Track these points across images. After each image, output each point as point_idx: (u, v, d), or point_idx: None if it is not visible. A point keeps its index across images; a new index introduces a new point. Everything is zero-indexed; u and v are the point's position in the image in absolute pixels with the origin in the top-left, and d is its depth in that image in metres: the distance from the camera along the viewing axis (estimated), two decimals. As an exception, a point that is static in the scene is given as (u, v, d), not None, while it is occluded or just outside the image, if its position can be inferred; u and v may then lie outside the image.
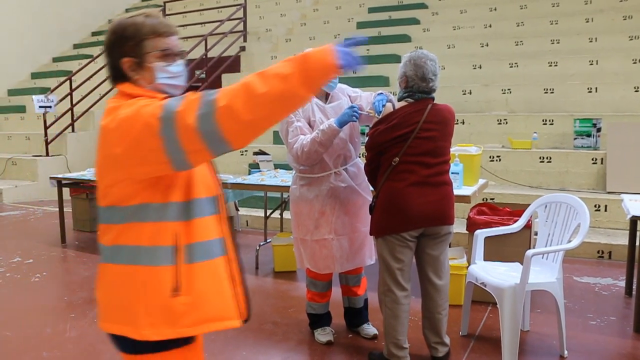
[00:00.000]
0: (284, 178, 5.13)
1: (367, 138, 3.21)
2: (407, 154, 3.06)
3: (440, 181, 3.14)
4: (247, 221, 7.13)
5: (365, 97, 3.60)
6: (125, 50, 1.74)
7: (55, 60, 14.03)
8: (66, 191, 6.76)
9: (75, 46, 14.55)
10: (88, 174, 6.46)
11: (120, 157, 1.62)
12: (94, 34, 14.98)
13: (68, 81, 10.06)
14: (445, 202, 3.15)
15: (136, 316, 1.68)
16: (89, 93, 10.27)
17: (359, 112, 3.29)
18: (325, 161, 3.44)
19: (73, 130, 10.07)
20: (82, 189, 6.74)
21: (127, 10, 15.93)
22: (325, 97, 3.56)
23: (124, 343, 1.74)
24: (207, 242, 1.74)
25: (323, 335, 3.72)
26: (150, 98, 1.68)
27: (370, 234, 3.29)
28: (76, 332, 3.97)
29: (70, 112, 10.01)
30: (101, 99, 10.35)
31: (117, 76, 1.78)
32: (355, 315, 3.83)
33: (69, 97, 9.96)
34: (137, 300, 1.68)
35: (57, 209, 6.50)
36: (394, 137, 3.06)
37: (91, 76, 10.43)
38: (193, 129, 1.51)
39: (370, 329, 3.79)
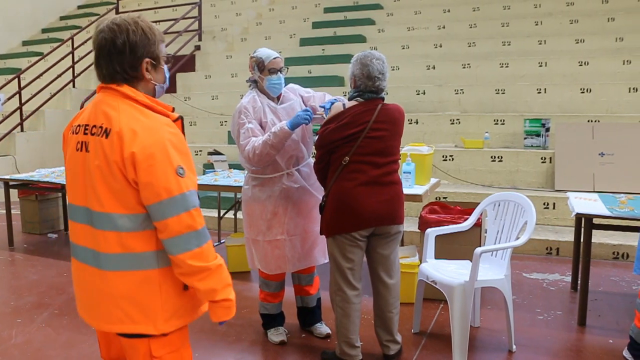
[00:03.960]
0: (237, 178, 5.10)
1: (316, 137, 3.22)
2: (357, 154, 3.08)
3: (389, 181, 3.17)
4: (201, 222, 7.04)
5: (319, 98, 3.62)
6: (148, 50, 1.88)
7: (3, 57, 13.59)
8: (14, 193, 6.57)
9: (25, 43, 14.12)
10: (37, 175, 6.29)
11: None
12: (44, 30, 14.56)
13: (17, 79, 9.77)
14: (394, 202, 3.19)
15: (154, 315, 1.88)
16: (39, 92, 10.00)
17: (312, 115, 3.30)
18: (277, 162, 3.44)
19: (22, 130, 9.78)
20: (31, 190, 6.56)
21: (79, 7, 15.57)
22: (277, 97, 3.56)
23: (134, 334, 1.92)
24: None
25: (276, 335, 3.71)
26: (161, 114, 1.88)
27: (321, 234, 3.29)
28: (23, 338, 3.86)
29: (19, 111, 9.71)
30: (52, 98, 10.09)
31: (125, 76, 1.87)
32: (308, 314, 3.84)
33: (17, 95, 9.67)
34: (154, 301, 1.88)
35: (5, 211, 6.31)
36: (344, 137, 3.08)
37: (41, 74, 10.17)
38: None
39: (323, 328, 3.80)
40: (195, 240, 1.82)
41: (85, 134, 1.86)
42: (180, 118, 1.93)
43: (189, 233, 1.80)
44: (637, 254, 3.37)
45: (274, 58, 3.47)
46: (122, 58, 1.85)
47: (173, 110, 1.95)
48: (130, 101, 1.85)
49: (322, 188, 3.42)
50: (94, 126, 1.84)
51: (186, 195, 1.80)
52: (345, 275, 3.19)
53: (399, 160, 3.31)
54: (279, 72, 3.46)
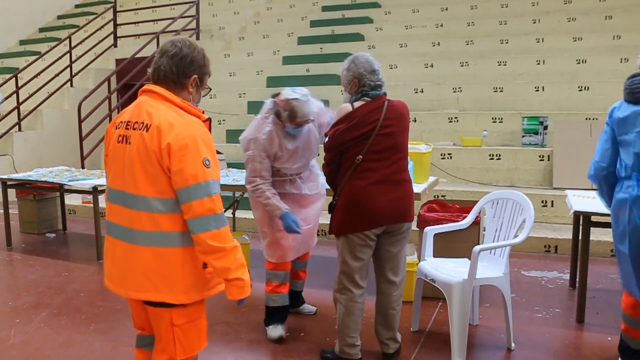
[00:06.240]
0: (236, 177, 5.09)
1: (326, 139, 3.22)
2: (369, 152, 3.09)
3: (401, 179, 3.19)
4: (200, 221, 7.07)
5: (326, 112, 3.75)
6: (200, 71, 2.30)
7: (0, 56, 13.56)
8: (12, 192, 6.56)
9: (22, 42, 14.09)
10: (35, 174, 6.28)
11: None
12: (41, 30, 14.53)
13: (14, 78, 9.74)
14: (406, 200, 3.21)
15: (175, 287, 2.21)
16: (36, 91, 9.98)
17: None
18: (284, 171, 3.60)
19: (20, 130, 9.76)
20: (28, 190, 6.55)
21: (76, 6, 15.53)
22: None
23: (158, 303, 2.25)
24: None
25: (275, 331, 3.72)
26: (193, 115, 2.25)
27: (331, 233, 3.32)
28: (21, 338, 3.85)
29: (16, 110, 9.69)
30: (49, 97, 10.08)
31: (175, 79, 2.25)
32: (295, 297, 4.04)
33: (14, 95, 9.64)
34: (176, 275, 2.20)
35: (2, 211, 6.29)
36: (356, 136, 3.08)
37: (39, 74, 10.14)
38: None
39: (310, 307, 4.09)
40: (214, 223, 2.13)
41: (127, 128, 2.22)
42: (209, 119, 2.32)
43: (209, 215, 2.12)
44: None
45: (306, 119, 3.47)
46: (181, 63, 2.24)
47: (203, 112, 2.30)
48: (168, 102, 2.22)
49: (321, 179, 3.46)
50: (136, 122, 2.20)
51: (210, 183, 2.13)
52: (352, 275, 3.20)
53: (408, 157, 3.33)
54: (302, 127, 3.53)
